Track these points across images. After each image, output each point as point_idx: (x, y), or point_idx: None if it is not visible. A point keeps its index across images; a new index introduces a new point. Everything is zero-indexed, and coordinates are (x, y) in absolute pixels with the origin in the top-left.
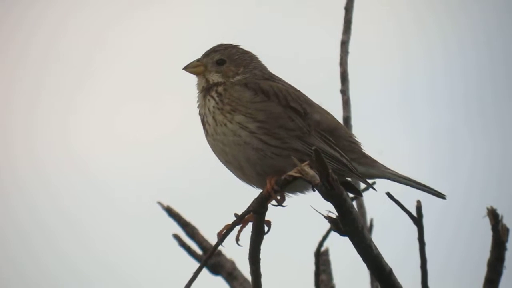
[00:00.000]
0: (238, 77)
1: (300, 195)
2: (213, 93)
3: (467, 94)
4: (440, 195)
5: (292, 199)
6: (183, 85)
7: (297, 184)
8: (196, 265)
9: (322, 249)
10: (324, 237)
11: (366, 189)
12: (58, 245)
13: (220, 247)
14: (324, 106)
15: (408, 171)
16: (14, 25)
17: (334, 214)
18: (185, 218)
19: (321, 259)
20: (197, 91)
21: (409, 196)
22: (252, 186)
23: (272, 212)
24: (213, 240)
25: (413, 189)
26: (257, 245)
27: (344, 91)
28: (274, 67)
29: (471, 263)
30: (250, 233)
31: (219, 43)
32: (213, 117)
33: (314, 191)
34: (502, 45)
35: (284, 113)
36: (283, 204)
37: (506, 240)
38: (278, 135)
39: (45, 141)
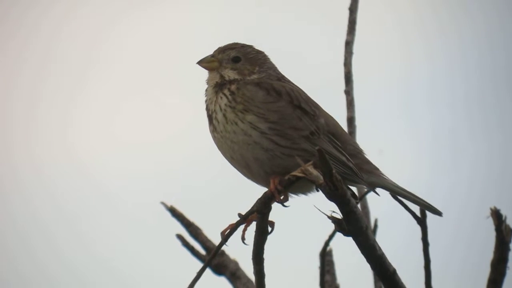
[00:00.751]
0: (254, 76)
1: (303, 196)
2: (226, 91)
3: (469, 94)
4: (437, 212)
5: (296, 200)
6: (187, 84)
7: (301, 185)
8: (200, 265)
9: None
10: (330, 238)
11: (366, 193)
12: (59, 246)
13: (223, 247)
14: (328, 106)
15: (409, 171)
16: (14, 25)
17: (338, 214)
18: (189, 218)
19: (325, 260)
20: (208, 86)
21: None
22: (257, 183)
23: (276, 213)
24: (216, 241)
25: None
26: (260, 245)
27: (349, 92)
28: (279, 68)
29: (472, 263)
30: (253, 233)
31: (232, 41)
32: (224, 115)
33: (318, 191)
34: (503, 46)
35: (294, 113)
36: (286, 204)
37: (510, 241)
38: (289, 136)
39: (46, 141)
